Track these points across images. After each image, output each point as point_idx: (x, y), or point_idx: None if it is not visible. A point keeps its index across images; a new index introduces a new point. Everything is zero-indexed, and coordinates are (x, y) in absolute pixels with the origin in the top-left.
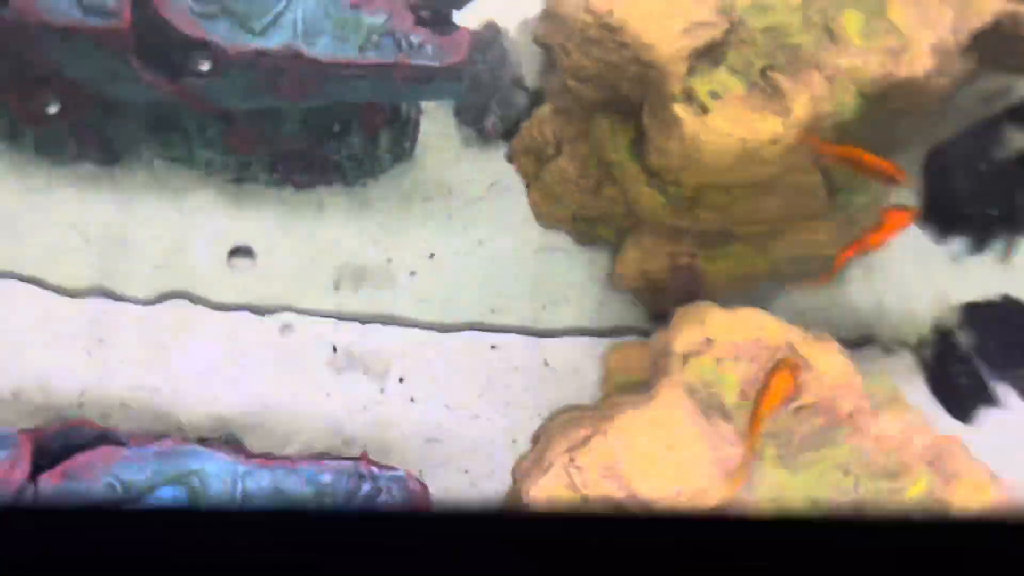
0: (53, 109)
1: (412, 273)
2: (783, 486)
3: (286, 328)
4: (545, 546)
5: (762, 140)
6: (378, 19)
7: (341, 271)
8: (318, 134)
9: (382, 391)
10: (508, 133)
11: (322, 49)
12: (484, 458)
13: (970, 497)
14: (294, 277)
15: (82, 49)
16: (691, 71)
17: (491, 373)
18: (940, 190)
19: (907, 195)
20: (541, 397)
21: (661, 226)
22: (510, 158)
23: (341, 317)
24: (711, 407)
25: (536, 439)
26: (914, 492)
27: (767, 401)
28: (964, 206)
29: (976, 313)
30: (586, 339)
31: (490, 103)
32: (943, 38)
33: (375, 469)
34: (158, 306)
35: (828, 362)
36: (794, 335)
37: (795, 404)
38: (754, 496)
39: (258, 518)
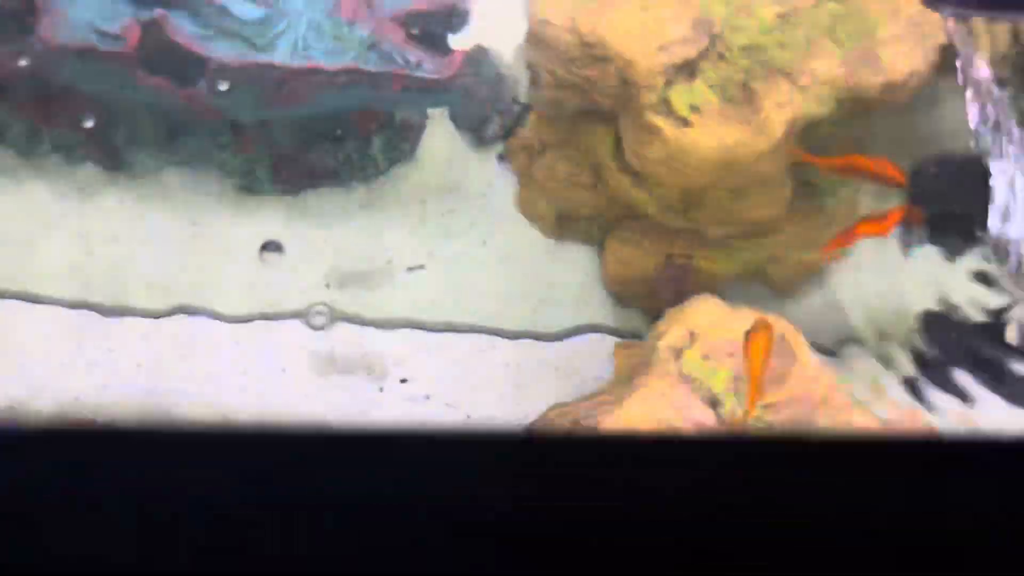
0: (88, 123)
1: (410, 270)
2: None
3: (289, 329)
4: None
5: (738, 149)
6: (369, 33)
7: (341, 272)
8: (317, 140)
9: (381, 390)
10: (504, 138)
11: (320, 61)
12: None
13: None
14: (295, 279)
15: (96, 67)
16: (668, 84)
17: (490, 372)
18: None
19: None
20: (541, 397)
21: (649, 225)
22: (503, 157)
23: (341, 318)
24: (702, 398)
25: None
26: None
27: (754, 355)
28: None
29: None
30: (586, 338)
31: (487, 112)
32: (911, 50)
33: None
34: (164, 314)
35: (808, 355)
36: (781, 326)
37: (775, 396)
38: None
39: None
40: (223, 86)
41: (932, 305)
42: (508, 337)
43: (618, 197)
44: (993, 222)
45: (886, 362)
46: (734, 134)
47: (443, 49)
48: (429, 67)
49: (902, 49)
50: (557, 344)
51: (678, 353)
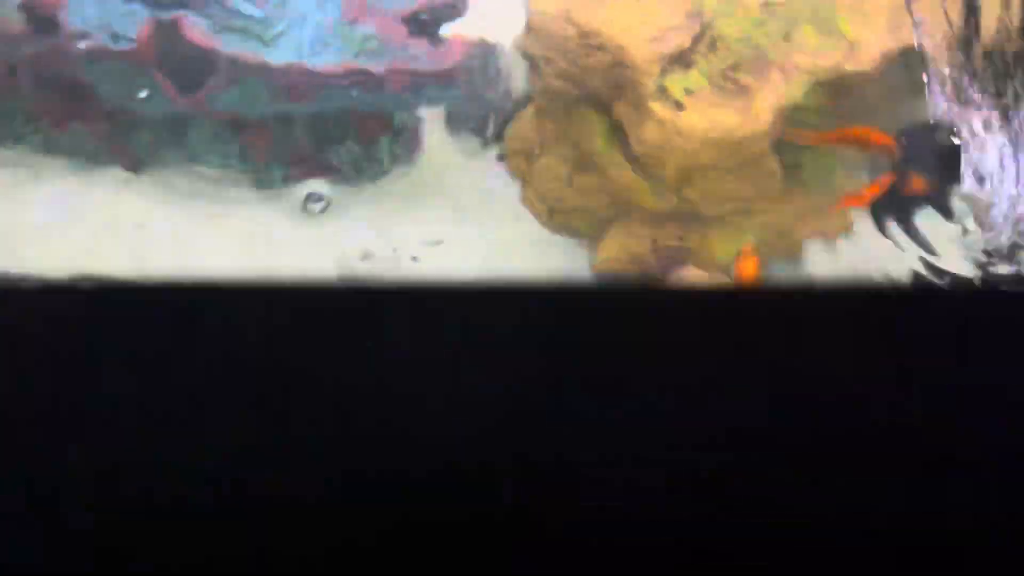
0: (104, 123)
1: (414, 259)
2: None
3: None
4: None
5: (729, 131)
6: (371, 31)
7: (350, 265)
8: (321, 139)
9: None
10: (501, 136)
11: (324, 59)
12: None
13: None
14: (302, 274)
15: (109, 68)
16: (664, 72)
17: None
18: None
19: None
20: None
21: (645, 212)
22: (502, 158)
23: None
24: None
25: None
26: None
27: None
28: None
29: None
30: None
31: (485, 108)
32: (884, 39)
33: None
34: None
35: None
36: None
37: None
38: None
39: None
40: (231, 83)
41: (907, 278)
42: None
43: (612, 186)
44: (966, 187)
45: None
46: (727, 116)
47: (441, 42)
48: (429, 60)
49: (877, 32)
50: None
51: None
